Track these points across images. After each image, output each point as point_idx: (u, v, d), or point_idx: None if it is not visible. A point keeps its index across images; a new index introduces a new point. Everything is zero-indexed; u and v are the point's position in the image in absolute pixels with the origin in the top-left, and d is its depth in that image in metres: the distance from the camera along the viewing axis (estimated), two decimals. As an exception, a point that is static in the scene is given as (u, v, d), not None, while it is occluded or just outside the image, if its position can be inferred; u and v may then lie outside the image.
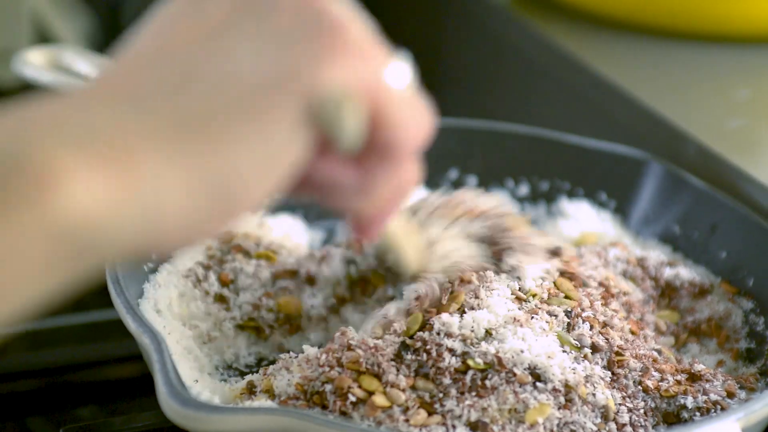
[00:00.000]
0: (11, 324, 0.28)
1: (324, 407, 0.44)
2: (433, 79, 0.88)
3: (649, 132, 0.63)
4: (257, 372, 0.48)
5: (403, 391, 0.44)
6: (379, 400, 0.43)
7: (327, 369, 0.44)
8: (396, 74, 0.35)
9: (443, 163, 0.62)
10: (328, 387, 0.44)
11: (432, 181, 0.62)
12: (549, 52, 0.71)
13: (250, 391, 0.46)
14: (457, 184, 0.62)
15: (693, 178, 0.58)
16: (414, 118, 0.35)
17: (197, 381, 0.46)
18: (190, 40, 0.32)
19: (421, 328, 0.46)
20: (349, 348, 0.45)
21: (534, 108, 0.74)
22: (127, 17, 0.89)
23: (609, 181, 0.60)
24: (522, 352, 0.45)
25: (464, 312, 0.46)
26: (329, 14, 0.33)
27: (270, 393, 0.45)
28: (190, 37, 0.32)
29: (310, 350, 0.46)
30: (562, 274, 0.50)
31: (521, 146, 0.62)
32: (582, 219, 0.59)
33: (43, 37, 0.85)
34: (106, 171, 0.29)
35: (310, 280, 0.53)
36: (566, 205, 0.61)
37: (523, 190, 0.62)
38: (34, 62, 0.61)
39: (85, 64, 0.61)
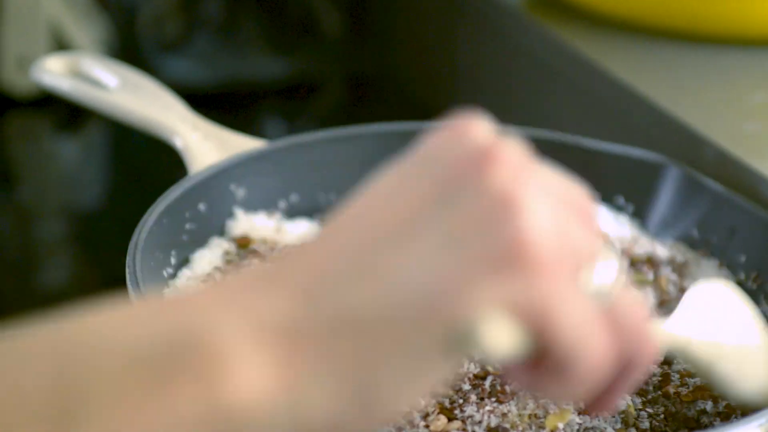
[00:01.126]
0: None
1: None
2: (447, 82, 0.88)
3: (666, 135, 0.63)
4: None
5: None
6: None
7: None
8: (588, 285, 0.31)
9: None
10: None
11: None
12: (564, 55, 0.71)
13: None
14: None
15: (711, 181, 0.58)
16: (599, 335, 0.31)
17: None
18: (379, 233, 0.31)
19: None
20: None
21: (550, 111, 0.74)
22: (142, 23, 0.90)
23: (626, 185, 0.60)
24: None
25: None
26: (520, 225, 0.30)
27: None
28: (382, 228, 0.31)
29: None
30: None
31: (537, 150, 0.61)
32: (600, 223, 0.59)
33: (60, 45, 0.85)
34: (273, 363, 0.29)
35: None
36: (584, 209, 0.61)
37: (540, 194, 0.62)
38: (52, 69, 0.61)
39: (103, 70, 0.61)
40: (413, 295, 0.30)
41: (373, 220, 0.31)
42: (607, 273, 0.32)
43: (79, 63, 0.62)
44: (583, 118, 0.71)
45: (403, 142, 0.62)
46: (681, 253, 0.57)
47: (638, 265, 0.55)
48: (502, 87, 0.79)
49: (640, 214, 0.60)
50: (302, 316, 0.30)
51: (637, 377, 0.33)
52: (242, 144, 0.60)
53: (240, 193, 0.58)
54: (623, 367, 0.32)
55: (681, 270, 0.55)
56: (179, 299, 0.30)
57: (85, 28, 0.87)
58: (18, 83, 0.84)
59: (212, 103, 0.85)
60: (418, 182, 0.32)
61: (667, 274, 0.55)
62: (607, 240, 0.32)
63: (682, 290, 0.55)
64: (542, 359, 0.31)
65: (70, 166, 0.86)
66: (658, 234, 0.59)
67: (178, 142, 0.59)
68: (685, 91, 0.66)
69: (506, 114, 0.80)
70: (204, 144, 0.60)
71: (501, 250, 0.30)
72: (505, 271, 0.30)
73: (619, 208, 0.61)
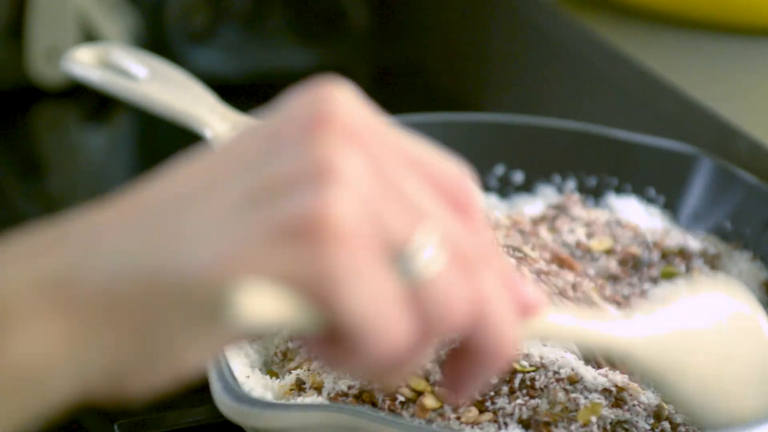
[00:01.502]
0: None
1: (374, 405, 0.44)
2: (475, 74, 0.88)
3: (698, 127, 0.63)
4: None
5: None
6: (429, 402, 0.43)
7: (372, 367, 0.44)
8: (400, 261, 0.29)
9: (489, 160, 0.62)
10: (376, 384, 0.44)
11: (478, 176, 0.62)
12: (596, 47, 0.71)
13: (299, 387, 0.46)
14: (503, 180, 0.62)
15: (744, 173, 0.57)
16: (395, 315, 0.29)
17: (249, 377, 0.47)
18: (179, 194, 0.30)
19: None
20: None
21: (581, 103, 0.74)
22: (170, 15, 0.90)
23: (658, 177, 0.60)
24: (564, 355, 0.45)
25: None
26: (324, 195, 0.28)
27: (319, 389, 0.45)
28: (185, 188, 0.30)
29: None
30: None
31: (568, 142, 0.61)
32: (630, 215, 0.59)
33: (89, 36, 0.85)
34: (55, 321, 0.29)
35: None
36: (614, 200, 0.60)
37: (570, 185, 0.61)
38: (82, 60, 0.61)
39: (133, 61, 0.62)
40: (189, 263, 0.29)
41: (185, 180, 0.31)
42: (434, 248, 0.29)
43: (108, 54, 0.62)
44: (614, 109, 0.70)
45: (430, 133, 0.62)
46: (713, 246, 0.56)
47: (670, 257, 0.55)
48: (531, 79, 0.79)
49: (671, 206, 0.60)
50: (82, 275, 0.30)
51: (490, 370, 0.31)
52: (271, 135, 0.60)
53: (269, 183, 0.58)
54: (471, 356, 0.31)
55: (713, 262, 0.55)
56: None
57: (113, 20, 0.87)
58: (47, 74, 0.85)
59: (239, 94, 0.85)
60: (248, 143, 0.30)
61: (699, 266, 0.55)
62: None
63: (715, 282, 0.54)
64: (335, 334, 0.29)
65: (99, 157, 0.86)
66: (690, 226, 0.59)
67: (208, 133, 0.59)
68: (718, 82, 0.66)
69: (538, 106, 0.79)
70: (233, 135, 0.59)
71: (294, 219, 0.28)
72: (292, 242, 0.28)
73: (650, 200, 0.60)
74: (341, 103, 0.30)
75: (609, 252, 0.54)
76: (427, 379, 0.44)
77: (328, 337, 0.30)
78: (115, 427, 0.50)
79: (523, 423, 0.43)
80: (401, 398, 0.43)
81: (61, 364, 0.30)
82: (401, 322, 0.29)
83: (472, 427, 0.43)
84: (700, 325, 0.35)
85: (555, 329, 0.34)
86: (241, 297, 0.28)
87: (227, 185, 0.30)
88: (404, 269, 0.29)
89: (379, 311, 0.29)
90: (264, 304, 0.28)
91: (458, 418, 0.43)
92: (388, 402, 0.43)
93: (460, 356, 0.32)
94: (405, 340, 0.29)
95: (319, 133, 0.29)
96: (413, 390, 0.43)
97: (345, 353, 0.30)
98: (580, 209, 0.57)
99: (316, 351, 0.31)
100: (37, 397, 0.30)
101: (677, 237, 0.56)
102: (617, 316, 0.37)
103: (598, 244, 0.54)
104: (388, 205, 0.29)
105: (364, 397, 0.44)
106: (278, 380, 0.47)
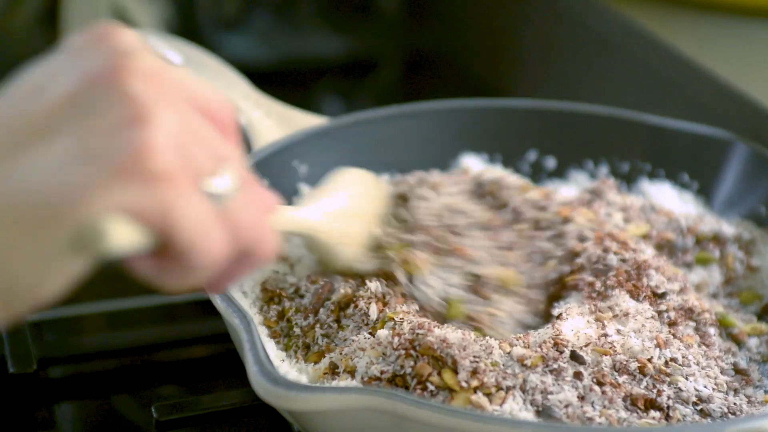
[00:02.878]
0: None
1: (406, 388, 0.44)
2: (506, 59, 0.88)
3: (734, 112, 0.62)
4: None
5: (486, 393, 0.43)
6: (458, 402, 0.43)
7: (402, 352, 0.44)
8: (210, 188, 0.35)
9: (522, 145, 0.62)
10: (409, 369, 0.44)
11: (511, 162, 0.62)
12: (631, 32, 0.70)
13: (333, 371, 0.46)
14: (536, 166, 0.62)
15: (780, 158, 0.57)
16: (215, 232, 0.35)
17: (284, 360, 0.47)
18: (12, 133, 0.33)
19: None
20: (417, 334, 0.45)
21: (614, 88, 0.73)
22: (202, 2, 0.90)
23: (692, 162, 0.60)
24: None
25: None
26: (144, 137, 0.33)
27: (352, 374, 0.45)
28: (17, 128, 0.33)
29: (381, 332, 0.46)
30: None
31: (601, 127, 0.61)
32: (664, 200, 0.59)
33: (122, 23, 0.86)
34: None
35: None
36: (648, 186, 0.60)
37: (603, 171, 0.61)
38: (117, 47, 0.62)
39: (168, 48, 0.62)
40: (36, 198, 0.32)
41: (10, 119, 0.33)
42: (230, 178, 0.35)
43: (144, 41, 0.62)
44: (648, 94, 0.70)
45: (461, 118, 0.62)
46: (748, 231, 0.56)
47: (704, 243, 0.54)
48: (564, 64, 0.79)
49: (705, 192, 0.59)
50: None
51: (255, 266, 0.37)
52: (304, 121, 0.60)
53: (303, 169, 0.58)
54: (242, 257, 0.36)
55: (747, 247, 0.55)
56: None
57: (146, 8, 0.88)
58: (81, 62, 0.85)
59: (270, 80, 0.85)
60: (57, 85, 0.34)
61: (733, 251, 0.54)
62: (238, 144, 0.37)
63: (749, 268, 0.54)
64: (164, 252, 0.34)
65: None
66: (724, 211, 0.58)
67: (241, 120, 0.60)
68: (753, 67, 0.65)
69: (571, 92, 0.79)
70: (266, 121, 0.60)
71: (124, 160, 0.33)
72: (128, 179, 0.33)
73: (684, 186, 0.60)
74: (134, 47, 0.35)
75: (645, 237, 0.54)
76: (457, 373, 0.44)
77: (156, 255, 0.34)
78: (152, 410, 0.51)
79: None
80: (431, 387, 0.43)
81: None
82: (220, 238, 0.35)
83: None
84: (350, 198, 0.49)
85: (282, 222, 0.45)
86: (104, 226, 0.33)
87: (59, 128, 0.33)
88: (213, 195, 0.35)
89: (203, 229, 0.34)
90: (118, 232, 0.33)
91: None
92: (418, 390, 0.43)
93: (236, 260, 0.37)
94: (224, 252, 0.35)
95: (124, 78, 0.34)
96: (444, 381, 0.43)
97: (172, 267, 0.35)
98: (615, 194, 0.57)
99: (143, 268, 0.35)
100: None
101: (711, 222, 0.55)
102: (308, 205, 0.48)
103: (635, 229, 0.54)
104: (191, 144, 0.34)
105: (396, 382, 0.44)
106: (313, 364, 0.47)
